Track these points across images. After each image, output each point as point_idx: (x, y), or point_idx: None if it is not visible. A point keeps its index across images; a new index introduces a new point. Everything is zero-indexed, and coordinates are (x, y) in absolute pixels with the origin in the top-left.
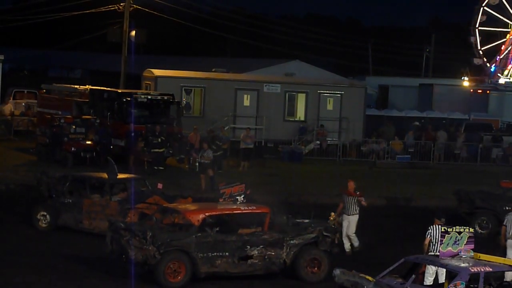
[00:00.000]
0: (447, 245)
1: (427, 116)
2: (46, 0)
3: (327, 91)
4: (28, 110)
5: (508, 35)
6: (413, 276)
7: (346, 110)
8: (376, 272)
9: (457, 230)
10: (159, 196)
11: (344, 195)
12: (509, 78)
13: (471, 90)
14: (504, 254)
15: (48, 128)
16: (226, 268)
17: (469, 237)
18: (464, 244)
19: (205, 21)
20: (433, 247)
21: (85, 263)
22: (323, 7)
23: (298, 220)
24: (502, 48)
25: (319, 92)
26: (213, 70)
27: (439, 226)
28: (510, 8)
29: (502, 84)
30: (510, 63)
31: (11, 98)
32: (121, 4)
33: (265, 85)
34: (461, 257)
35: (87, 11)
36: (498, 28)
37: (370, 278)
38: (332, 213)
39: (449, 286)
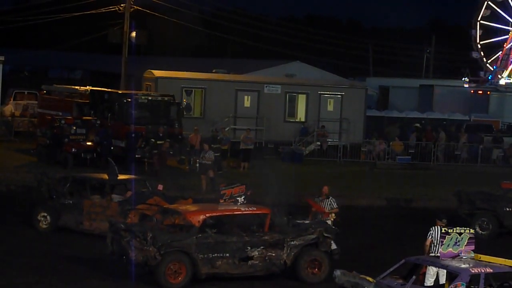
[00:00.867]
0: (448, 246)
1: (428, 117)
2: (46, 1)
3: (328, 92)
4: (25, 111)
5: (509, 34)
6: (414, 277)
7: (347, 111)
8: (376, 273)
9: (457, 231)
10: (159, 197)
11: (317, 199)
12: (510, 79)
13: (472, 91)
14: None
15: (49, 129)
16: (227, 269)
17: (470, 238)
18: (465, 245)
19: (206, 22)
20: (434, 248)
21: (86, 264)
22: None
23: (298, 221)
24: (504, 49)
25: (320, 93)
26: (214, 71)
27: (441, 227)
28: (504, 13)
29: (502, 85)
30: (510, 64)
31: (12, 99)
32: (122, 5)
33: (266, 86)
34: (462, 258)
35: (88, 12)
36: (498, 37)
37: (370, 279)
38: (332, 214)
39: (450, 287)
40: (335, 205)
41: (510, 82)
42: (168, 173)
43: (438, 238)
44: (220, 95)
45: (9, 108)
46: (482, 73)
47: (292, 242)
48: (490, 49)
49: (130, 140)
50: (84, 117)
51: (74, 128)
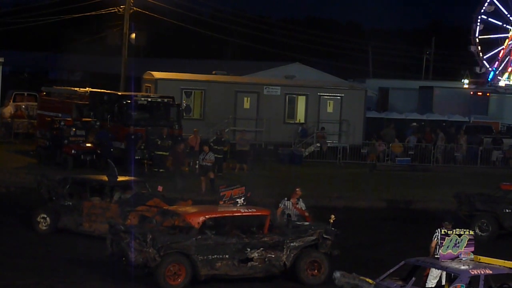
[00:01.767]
0: (447, 247)
1: (427, 119)
2: (46, 3)
3: (327, 94)
4: (19, 111)
5: (507, 40)
6: (413, 278)
7: (346, 113)
8: (376, 275)
9: (457, 233)
10: (159, 199)
11: (287, 202)
12: (509, 81)
13: (471, 93)
14: None
15: (48, 130)
16: (226, 270)
17: (469, 239)
18: (464, 247)
19: (206, 23)
20: (438, 250)
21: (85, 266)
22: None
23: (298, 223)
24: (502, 51)
25: (319, 95)
26: (213, 72)
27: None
28: (507, 12)
29: (502, 86)
30: (510, 65)
31: (12, 101)
32: (121, 6)
33: (265, 88)
34: (461, 259)
35: (87, 14)
36: (498, 34)
37: (370, 280)
38: (332, 216)
39: None
40: (304, 206)
41: (510, 84)
42: (171, 175)
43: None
44: (219, 97)
45: (8, 110)
46: (477, 69)
47: (291, 244)
48: (488, 45)
49: (130, 141)
50: (84, 119)
51: (74, 129)
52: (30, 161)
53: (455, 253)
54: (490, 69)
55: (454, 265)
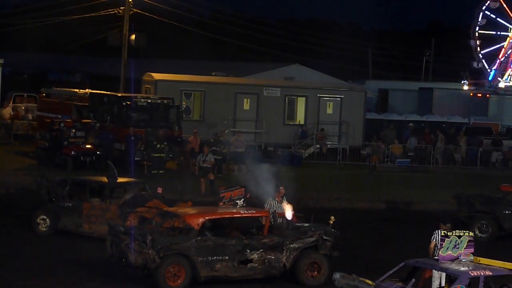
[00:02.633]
0: (447, 249)
1: (427, 120)
2: (46, 4)
3: (327, 95)
4: (16, 111)
5: (508, 38)
6: (413, 280)
7: (346, 114)
8: (376, 276)
9: (456, 234)
10: (159, 200)
11: (273, 201)
12: (509, 82)
13: (471, 94)
14: None
15: (48, 132)
16: (226, 272)
17: (469, 241)
18: (464, 248)
19: (205, 25)
20: (438, 251)
21: (85, 267)
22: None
23: (297, 224)
24: (502, 51)
25: (319, 96)
26: (213, 74)
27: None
28: (511, 11)
29: (502, 88)
30: (510, 66)
31: (11, 102)
32: (121, 8)
33: (265, 89)
34: (461, 261)
35: (87, 15)
36: (498, 31)
37: (370, 282)
38: (332, 217)
39: None
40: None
41: (510, 85)
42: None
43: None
44: (219, 98)
45: (8, 111)
46: (474, 63)
47: (291, 245)
48: (492, 58)
49: (130, 143)
50: (84, 120)
51: (74, 131)
52: (29, 163)
53: (455, 255)
54: (489, 70)
55: (454, 266)
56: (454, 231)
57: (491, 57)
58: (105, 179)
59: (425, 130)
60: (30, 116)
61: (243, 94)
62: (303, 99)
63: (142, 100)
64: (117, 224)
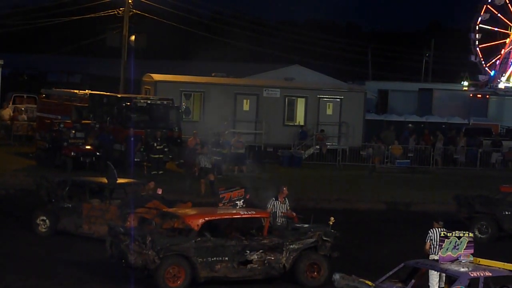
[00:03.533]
0: (447, 249)
1: (427, 121)
2: (45, 5)
3: (327, 96)
4: (16, 112)
5: (508, 38)
6: (413, 280)
7: (346, 115)
8: (375, 277)
9: (456, 235)
10: (158, 201)
11: (276, 202)
12: (509, 83)
13: (471, 95)
14: None
15: (48, 132)
16: (226, 272)
17: (469, 241)
18: (464, 249)
19: (205, 25)
20: (434, 249)
21: (85, 268)
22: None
23: (297, 225)
24: (502, 52)
25: (319, 97)
26: (213, 74)
27: (438, 229)
28: (504, 16)
29: (501, 88)
30: (509, 67)
31: (11, 103)
32: (121, 8)
33: (265, 90)
34: (461, 261)
35: (87, 16)
36: (499, 29)
37: (369, 282)
38: (332, 218)
39: None
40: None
41: (509, 86)
42: (172, 176)
43: (437, 239)
44: (219, 99)
45: (7, 112)
46: (481, 77)
47: (291, 246)
48: (489, 53)
49: (129, 143)
50: (83, 121)
51: (73, 131)
52: (29, 163)
53: (455, 255)
54: (485, 64)
55: (454, 267)
56: (454, 232)
57: (489, 52)
58: (104, 180)
59: (424, 131)
60: (25, 117)
61: (243, 95)
62: (303, 100)
63: (142, 101)
64: (117, 224)
